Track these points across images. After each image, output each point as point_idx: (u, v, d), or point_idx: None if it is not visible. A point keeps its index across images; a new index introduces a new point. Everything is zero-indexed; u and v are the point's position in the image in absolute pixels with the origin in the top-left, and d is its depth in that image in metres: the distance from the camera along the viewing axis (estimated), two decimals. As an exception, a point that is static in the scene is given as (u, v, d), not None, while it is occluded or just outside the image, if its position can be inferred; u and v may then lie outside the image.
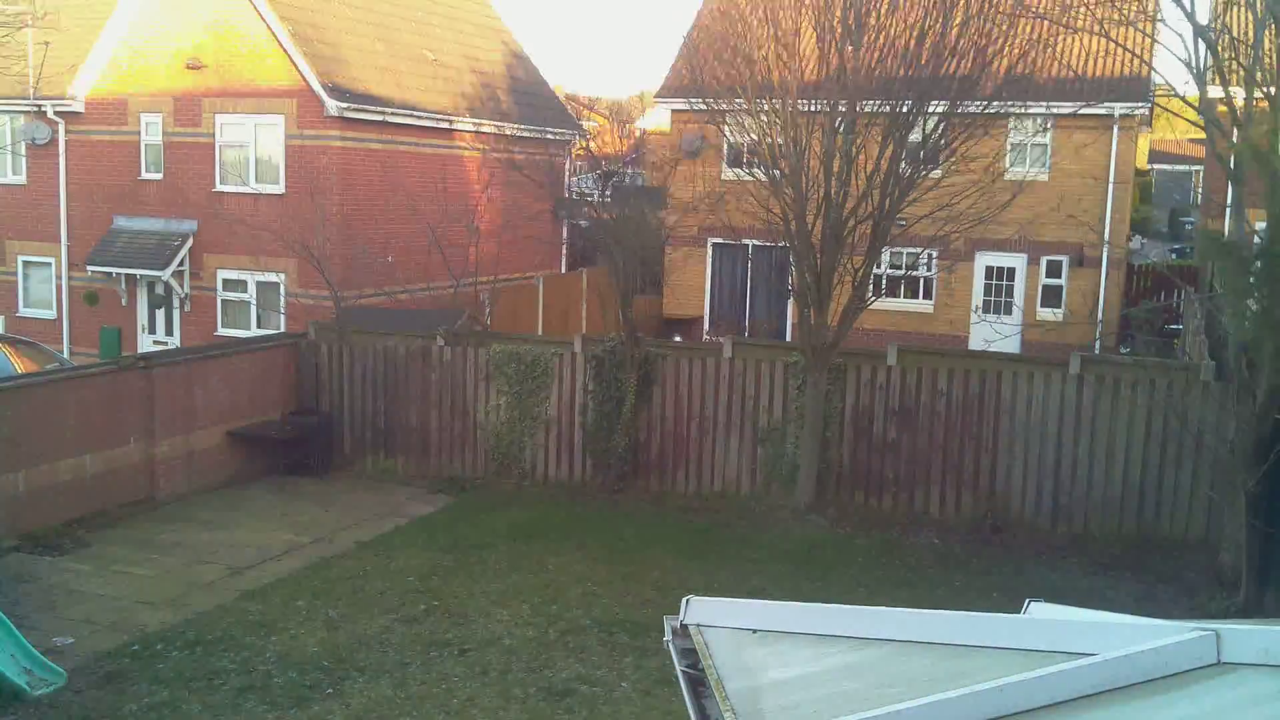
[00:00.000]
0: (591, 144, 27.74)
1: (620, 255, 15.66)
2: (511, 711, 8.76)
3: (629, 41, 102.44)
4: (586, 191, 23.24)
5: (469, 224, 19.86)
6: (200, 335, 21.84)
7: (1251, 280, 10.78)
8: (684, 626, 3.91)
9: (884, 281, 20.75)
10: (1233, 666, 2.97)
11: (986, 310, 23.17)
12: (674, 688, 4.27)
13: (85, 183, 23.06)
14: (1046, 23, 14.71)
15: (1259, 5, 12.55)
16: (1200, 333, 15.46)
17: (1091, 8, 14.67)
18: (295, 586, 11.49)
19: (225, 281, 22.14)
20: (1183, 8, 12.31)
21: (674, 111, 24.35)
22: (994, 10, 13.77)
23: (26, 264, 24.09)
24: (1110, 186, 22.26)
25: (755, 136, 14.63)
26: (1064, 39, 16.50)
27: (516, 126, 23.95)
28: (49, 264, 23.75)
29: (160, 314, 22.83)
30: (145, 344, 22.48)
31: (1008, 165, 21.49)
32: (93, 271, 22.71)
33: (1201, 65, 12.42)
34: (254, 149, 21.58)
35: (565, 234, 27.16)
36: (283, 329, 20.42)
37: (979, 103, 14.07)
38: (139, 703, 8.81)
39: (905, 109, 13.62)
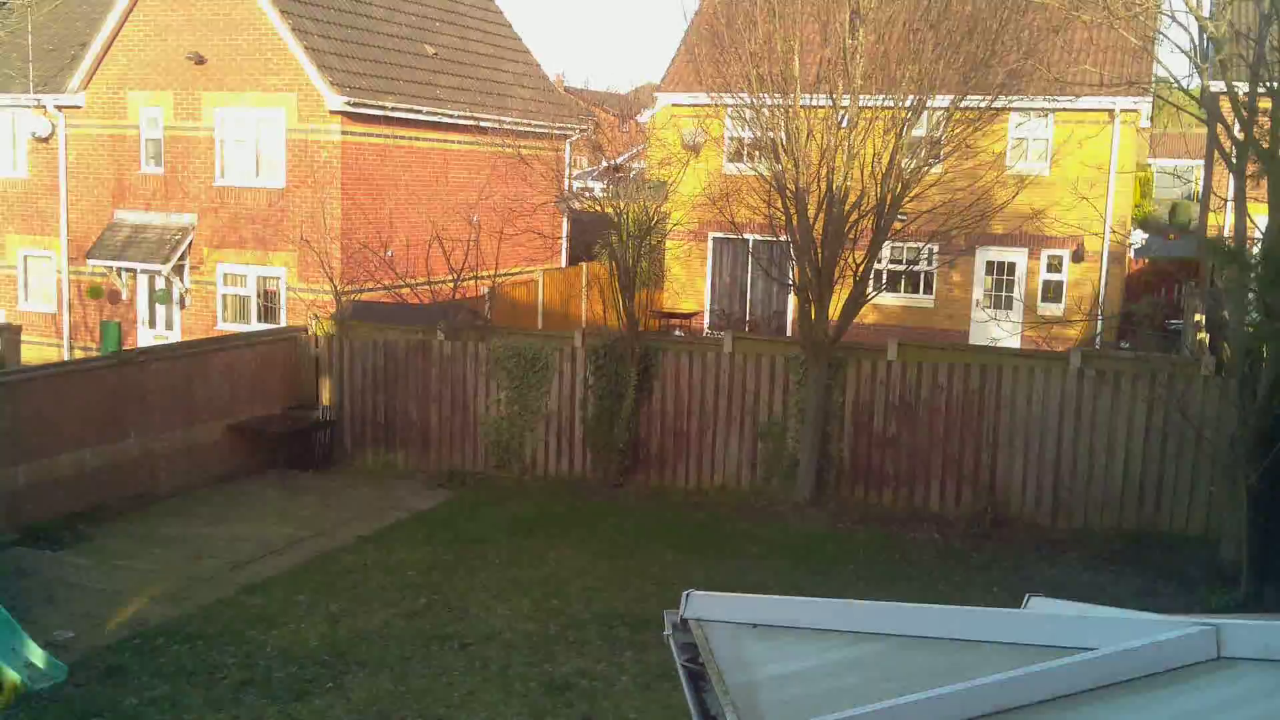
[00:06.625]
0: (595, 138, 27.71)
1: (621, 249, 15.65)
2: (512, 705, 8.77)
3: (631, 33, 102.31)
4: (588, 186, 23.24)
5: (470, 218, 19.85)
6: (200, 329, 21.84)
7: (1253, 277, 10.78)
8: (684, 621, 3.91)
9: (884, 276, 20.75)
10: (1233, 661, 2.96)
11: (987, 304, 23.17)
12: (674, 682, 4.27)
13: (86, 177, 23.04)
14: (1055, 12, 14.67)
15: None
16: (1201, 327, 15.44)
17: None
18: (296, 581, 11.49)
19: (225, 276, 22.13)
20: (1187, 1, 12.29)
21: (674, 105, 24.32)
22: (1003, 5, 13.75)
23: (27, 258, 24.08)
24: (1111, 181, 22.25)
25: (757, 132, 14.61)
26: (1069, 32, 16.46)
27: (517, 120, 23.92)
28: (49, 258, 23.74)
29: (161, 308, 22.82)
30: (146, 338, 22.46)
31: (1009, 160, 21.49)
32: (93, 266, 22.70)
33: (1205, 58, 12.40)
34: (255, 143, 21.55)
35: (566, 228, 27.15)
36: (283, 323, 20.43)
37: (983, 97, 14.05)
38: (139, 696, 8.81)
39: (908, 103, 13.61)
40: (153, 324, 22.96)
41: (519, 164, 19.81)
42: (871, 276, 14.78)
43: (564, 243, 27.33)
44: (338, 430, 16.46)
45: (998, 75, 14.08)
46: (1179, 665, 2.96)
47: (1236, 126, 12.02)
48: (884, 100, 13.79)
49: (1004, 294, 23.35)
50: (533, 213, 22.70)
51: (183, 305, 22.54)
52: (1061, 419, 13.61)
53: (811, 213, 13.97)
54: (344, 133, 20.91)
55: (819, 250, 13.97)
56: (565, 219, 26.67)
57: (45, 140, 23.24)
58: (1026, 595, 4.15)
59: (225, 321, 22.05)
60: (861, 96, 13.73)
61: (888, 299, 22.81)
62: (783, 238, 14.63)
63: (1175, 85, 14.16)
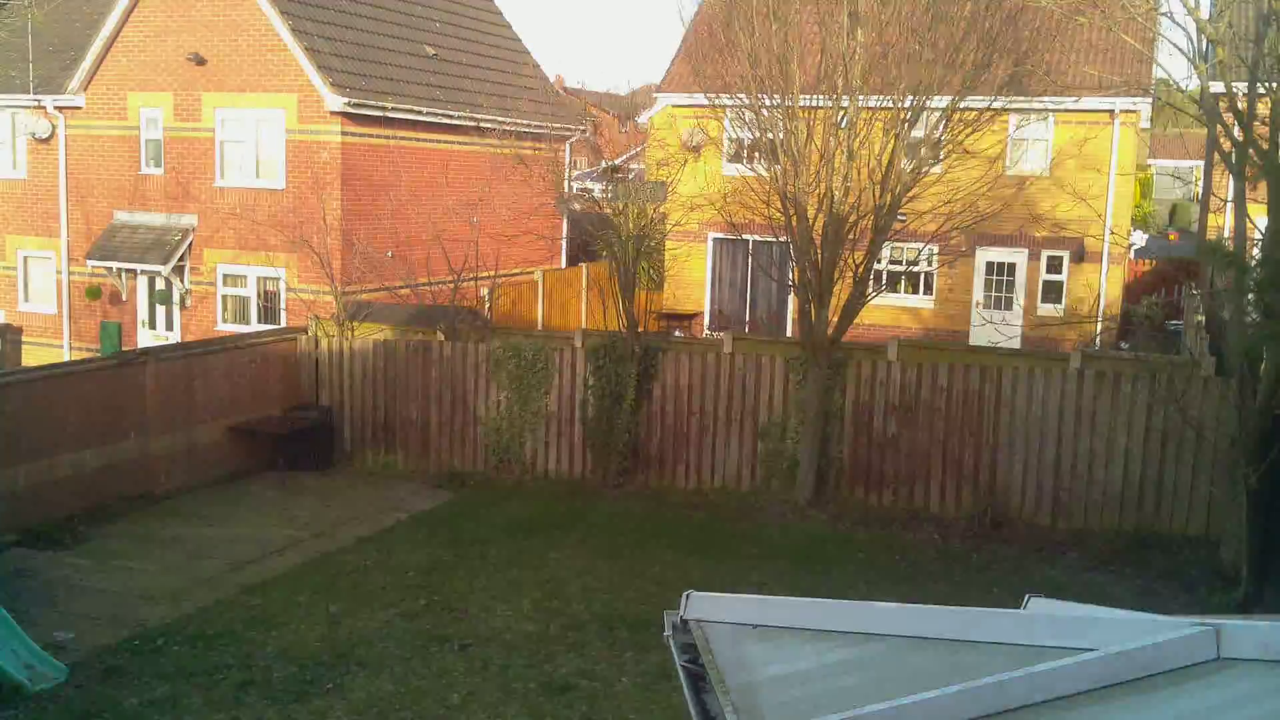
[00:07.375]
0: (594, 139, 27.72)
1: (620, 250, 15.65)
2: (512, 706, 8.77)
3: (630, 33, 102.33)
4: (587, 186, 23.24)
5: (470, 218, 19.86)
6: (200, 330, 21.84)
7: (1253, 279, 10.78)
8: (684, 622, 3.91)
9: (884, 277, 20.76)
10: (1232, 662, 2.97)
11: (987, 305, 23.17)
12: (674, 683, 4.27)
13: (85, 177, 23.04)
14: (1053, 14, 14.68)
15: (1265, 1, 12.53)
16: (1201, 328, 15.45)
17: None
18: (296, 581, 11.49)
19: (225, 276, 22.13)
20: (1185, 3, 12.29)
21: (673, 106, 24.33)
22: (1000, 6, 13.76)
23: (27, 259, 24.08)
24: (1111, 181, 22.25)
25: (757, 133, 14.61)
26: (1068, 33, 16.47)
27: (517, 121, 23.92)
28: (49, 259, 23.74)
29: (160, 309, 22.82)
30: (145, 339, 22.46)
31: (1010, 161, 21.49)
32: (93, 266, 22.69)
33: (1204, 60, 12.40)
34: (255, 144, 21.55)
35: (565, 228, 27.14)
36: (283, 324, 20.43)
37: (982, 98, 14.06)
38: (139, 697, 8.82)
39: (907, 104, 13.62)
40: (153, 325, 22.95)
41: (518, 165, 19.81)
42: (871, 277, 14.78)
43: (563, 243, 27.32)
44: (338, 431, 16.45)
45: (997, 76, 14.08)
46: (1179, 665, 2.97)
47: (1236, 128, 12.02)
48: (883, 101, 13.80)
49: (1004, 295, 23.35)
50: (532, 213, 22.71)
51: (183, 306, 22.53)
52: (1061, 420, 13.60)
53: (811, 213, 13.97)
54: (344, 133, 20.91)
55: (819, 251, 13.97)
56: (565, 220, 26.67)
57: (45, 141, 23.24)
58: (1026, 595, 4.15)
59: (225, 322, 22.05)
60: (860, 97, 13.74)
61: (888, 300, 22.81)
62: (782, 238, 14.64)
63: (1175, 87, 14.16)
